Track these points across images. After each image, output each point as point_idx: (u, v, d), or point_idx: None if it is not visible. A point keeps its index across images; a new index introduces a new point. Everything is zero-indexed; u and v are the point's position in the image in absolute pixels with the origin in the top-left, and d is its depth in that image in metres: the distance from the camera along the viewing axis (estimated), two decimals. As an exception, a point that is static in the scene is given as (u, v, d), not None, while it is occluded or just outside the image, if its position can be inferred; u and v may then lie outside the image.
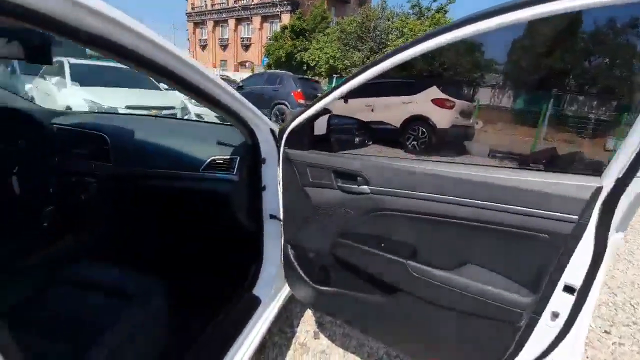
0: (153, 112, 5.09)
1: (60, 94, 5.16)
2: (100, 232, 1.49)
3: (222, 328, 1.32)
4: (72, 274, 1.18)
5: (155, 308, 1.15)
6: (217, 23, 37.02)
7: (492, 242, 1.00)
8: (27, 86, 6.11)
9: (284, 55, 25.13)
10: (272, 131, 1.45)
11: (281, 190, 1.45)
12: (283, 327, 1.80)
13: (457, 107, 6.93)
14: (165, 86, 5.80)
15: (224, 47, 37.15)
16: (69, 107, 4.86)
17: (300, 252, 1.46)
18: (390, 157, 1.24)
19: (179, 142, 1.53)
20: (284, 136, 1.36)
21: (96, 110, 4.51)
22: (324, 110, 1.31)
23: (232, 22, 35.24)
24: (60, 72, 5.47)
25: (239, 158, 1.43)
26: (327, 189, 1.29)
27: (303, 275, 1.44)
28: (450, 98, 6.90)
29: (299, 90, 9.15)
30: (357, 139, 1.38)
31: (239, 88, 10.48)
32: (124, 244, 1.55)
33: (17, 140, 1.61)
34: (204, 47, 39.15)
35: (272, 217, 1.54)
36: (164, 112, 5.34)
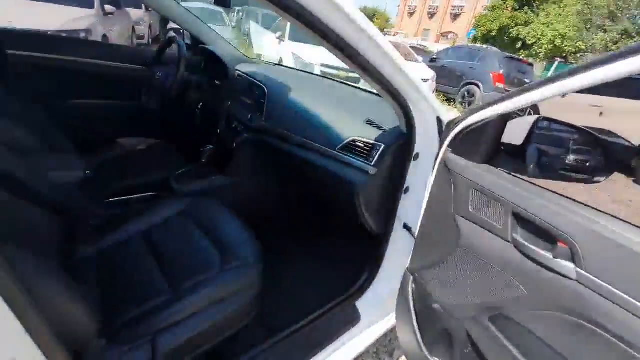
0: (342, 74, 5.29)
1: (280, 47, 6.05)
2: (233, 182, 1.54)
3: (312, 331, 1.16)
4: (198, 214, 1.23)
5: (251, 275, 1.07)
6: (431, -12, 34.99)
7: None
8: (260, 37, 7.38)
9: (496, 28, 21.68)
10: (439, 121, 1.07)
11: (426, 202, 1.08)
12: (381, 354, 1.52)
13: None
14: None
15: (432, 15, 35.14)
16: (281, 59, 5.66)
17: (422, 294, 1.10)
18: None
19: (330, 110, 1.35)
20: (452, 133, 0.96)
21: (291, 66, 4.97)
22: (529, 108, 0.83)
23: (447, -12, 32.55)
24: (283, 28, 6.34)
25: (383, 146, 1.13)
26: (491, 234, 0.86)
27: (416, 327, 1.09)
28: None
29: (500, 71, 7.62)
30: (579, 166, 0.83)
31: (432, 60, 9.69)
32: (248, 200, 1.57)
33: (209, 80, 1.81)
34: (411, 14, 38.13)
35: (406, 228, 1.21)
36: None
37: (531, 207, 0.76)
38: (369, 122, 1.23)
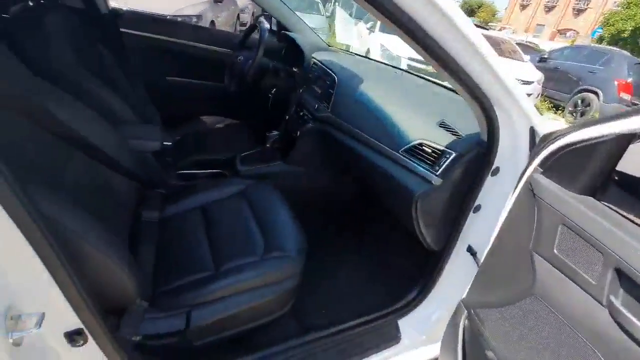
0: (429, 69, 4.96)
1: (369, 37, 5.92)
2: (292, 170, 1.53)
3: (346, 340, 1.10)
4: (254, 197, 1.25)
5: (290, 268, 1.05)
6: (554, -22, 30.49)
7: None
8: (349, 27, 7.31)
9: (629, 28, 17.97)
10: (532, 132, 0.90)
11: (499, 227, 0.92)
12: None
13: None
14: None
15: (549, 9, 30.73)
16: (368, 50, 5.54)
17: (476, 334, 0.94)
18: None
19: (401, 107, 1.23)
20: (546, 150, 0.79)
21: (376, 58, 4.81)
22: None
23: (575, -22, 28.01)
24: (375, 19, 6.23)
25: (454, 154, 0.99)
26: (579, 288, 0.67)
27: None
28: None
29: (629, 79, 6.29)
30: None
31: (542, 60, 8.47)
32: (304, 190, 1.55)
33: (286, 67, 1.82)
34: (524, 7, 33.89)
35: (470, 252, 1.05)
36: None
37: None
38: (443, 125, 1.08)
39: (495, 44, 8.15)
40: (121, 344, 0.71)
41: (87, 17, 1.54)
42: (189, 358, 0.91)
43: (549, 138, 0.82)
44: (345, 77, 1.43)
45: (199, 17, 5.16)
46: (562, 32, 28.57)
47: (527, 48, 9.82)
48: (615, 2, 22.56)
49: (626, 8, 19.03)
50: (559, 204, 0.72)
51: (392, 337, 1.13)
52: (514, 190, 0.89)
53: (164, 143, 1.47)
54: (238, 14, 7.90)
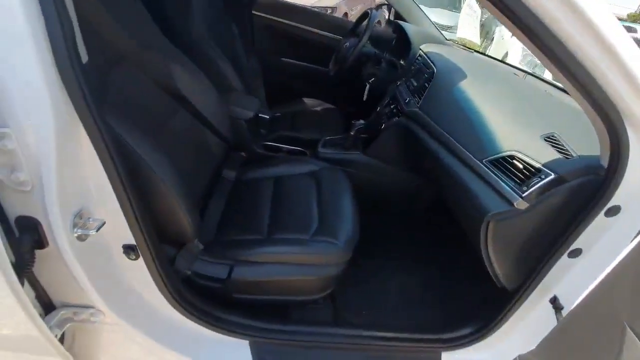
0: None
1: (510, 40, 5.25)
2: (369, 162, 1.47)
3: (378, 352, 1.03)
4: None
5: (335, 256, 1.04)
6: None
7: None
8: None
9: None
10: None
11: (598, 283, 0.70)
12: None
13: None
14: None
15: None
16: (506, 54, 4.90)
17: None
18: None
19: (503, 112, 1.03)
20: None
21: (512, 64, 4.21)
22: None
23: None
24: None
25: (553, 176, 0.78)
26: None
27: None
28: None
29: None
30: None
31: None
32: (376, 184, 1.48)
33: (392, 57, 1.75)
34: None
35: (554, 305, 0.84)
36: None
37: None
38: (550, 139, 0.87)
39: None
40: (168, 272, 0.83)
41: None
42: (227, 305, 0.99)
43: None
44: (446, 71, 1.29)
45: (333, 9, 5.42)
46: None
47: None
48: None
49: None
50: None
51: None
52: (633, 241, 0.67)
53: (260, 115, 1.61)
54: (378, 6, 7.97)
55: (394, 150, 1.42)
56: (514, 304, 0.88)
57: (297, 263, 1.02)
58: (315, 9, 5.09)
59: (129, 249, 0.74)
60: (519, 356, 0.83)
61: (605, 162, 0.69)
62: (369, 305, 1.23)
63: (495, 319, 0.93)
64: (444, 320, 1.07)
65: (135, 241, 0.73)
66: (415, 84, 1.38)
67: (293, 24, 2.13)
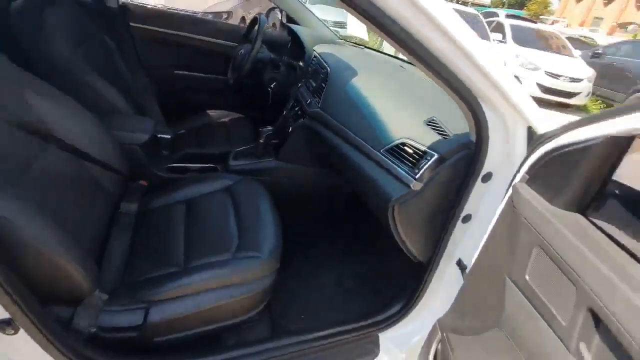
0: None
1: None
2: (281, 167, 1.48)
3: (321, 350, 1.03)
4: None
5: (261, 269, 1.00)
6: (616, -34, 27.70)
7: None
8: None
9: None
10: (530, 133, 0.78)
11: (483, 242, 0.81)
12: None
13: None
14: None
15: (609, 1, 28.06)
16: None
17: None
18: None
19: (393, 102, 1.13)
20: (532, 156, 0.67)
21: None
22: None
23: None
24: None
25: (436, 156, 0.88)
26: (547, 326, 0.55)
27: None
28: None
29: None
30: None
31: (595, 56, 7.73)
32: (290, 188, 1.49)
33: (289, 60, 1.76)
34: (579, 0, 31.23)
35: (460, 266, 0.94)
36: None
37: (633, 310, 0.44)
38: (431, 123, 0.98)
39: (543, 37, 7.57)
40: (61, 337, 0.70)
41: (93, 10, 1.58)
42: (149, 354, 0.89)
43: (539, 140, 0.70)
44: (339, 70, 1.34)
45: (229, 13, 5.26)
46: (623, 25, 25.95)
47: (581, 43, 9.03)
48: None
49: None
50: (537, 220, 0.60)
51: (369, 351, 1.04)
52: (502, 201, 0.78)
53: (160, 135, 1.48)
54: (269, 11, 7.97)
55: (304, 151, 1.44)
56: (429, 274, 0.97)
57: (222, 286, 0.96)
58: (209, 14, 4.88)
59: (3, 324, 0.62)
60: (438, 320, 0.92)
61: (473, 138, 0.80)
62: (306, 308, 1.23)
63: (417, 291, 1.01)
64: (377, 304, 1.13)
65: (9, 314, 0.60)
66: (314, 84, 1.41)
67: (182, 34, 2.00)
